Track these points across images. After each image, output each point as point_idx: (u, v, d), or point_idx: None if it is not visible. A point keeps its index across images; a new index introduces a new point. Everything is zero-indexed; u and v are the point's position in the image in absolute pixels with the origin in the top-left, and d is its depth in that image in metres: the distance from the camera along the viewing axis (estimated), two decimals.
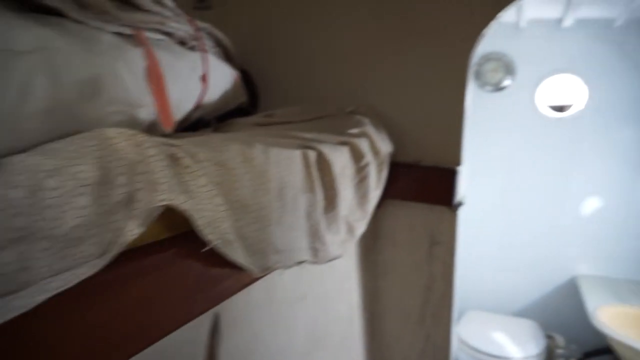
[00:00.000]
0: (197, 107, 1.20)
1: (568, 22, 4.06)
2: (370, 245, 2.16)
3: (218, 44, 1.65)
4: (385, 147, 1.97)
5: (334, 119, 1.95)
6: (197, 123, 1.42)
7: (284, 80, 2.23)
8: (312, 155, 1.11)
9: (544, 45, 4.28)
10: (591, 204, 4.25)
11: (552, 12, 4.03)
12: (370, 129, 1.82)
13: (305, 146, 1.13)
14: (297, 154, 1.03)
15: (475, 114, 4.40)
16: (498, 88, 4.49)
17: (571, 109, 4.34)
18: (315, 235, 1.07)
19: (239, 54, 1.88)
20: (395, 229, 2.15)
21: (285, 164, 0.95)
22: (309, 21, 2.15)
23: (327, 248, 1.11)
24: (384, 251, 2.17)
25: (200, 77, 1.20)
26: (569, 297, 4.38)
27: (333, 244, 1.15)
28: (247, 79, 2.02)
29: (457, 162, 2.02)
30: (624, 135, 4.12)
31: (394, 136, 2.02)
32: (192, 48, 1.21)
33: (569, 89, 4.37)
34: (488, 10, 1.93)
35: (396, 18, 2.07)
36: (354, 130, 1.74)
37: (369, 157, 1.68)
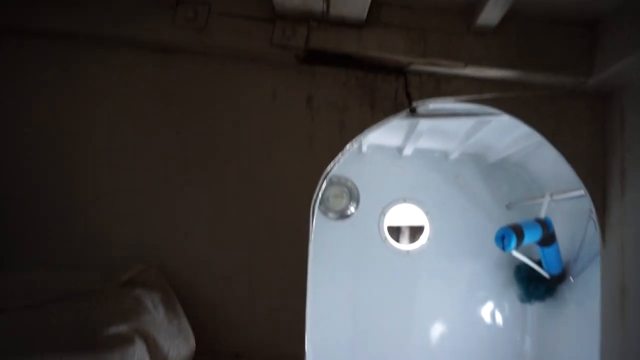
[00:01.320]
0: None
1: (408, 150, 3.95)
2: None
3: None
4: (180, 349, 1.12)
5: (92, 300, 1.09)
6: None
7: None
8: None
9: (386, 172, 4.09)
10: (436, 327, 4.08)
11: (393, 140, 3.88)
12: (149, 323, 0.99)
13: None
14: None
15: (319, 243, 3.77)
16: (343, 215, 4.07)
17: (415, 242, 4.11)
18: None
19: None
20: None
21: None
22: None
23: None
24: None
25: None
26: None
27: None
28: None
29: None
30: (463, 266, 4.06)
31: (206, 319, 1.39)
32: None
33: (412, 217, 4.19)
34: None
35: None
36: (119, 329, 0.91)
37: None
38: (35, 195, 1.66)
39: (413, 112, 1.77)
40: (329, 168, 1.72)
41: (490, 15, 1.51)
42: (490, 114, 1.94)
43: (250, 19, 1.72)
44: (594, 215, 1.75)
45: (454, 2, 1.61)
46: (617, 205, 1.64)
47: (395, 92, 1.74)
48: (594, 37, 1.62)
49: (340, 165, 4.01)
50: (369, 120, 1.72)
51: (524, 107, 1.71)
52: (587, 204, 1.78)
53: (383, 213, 4.06)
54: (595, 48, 1.61)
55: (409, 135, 3.51)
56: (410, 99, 1.73)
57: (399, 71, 1.74)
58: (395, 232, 5.72)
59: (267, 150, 1.74)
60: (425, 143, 3.78)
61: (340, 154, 1.72)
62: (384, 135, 3.76)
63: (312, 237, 1.72)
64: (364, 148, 3.97)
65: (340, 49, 1.67)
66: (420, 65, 1.68)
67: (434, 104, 1.80)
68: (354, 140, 1.73)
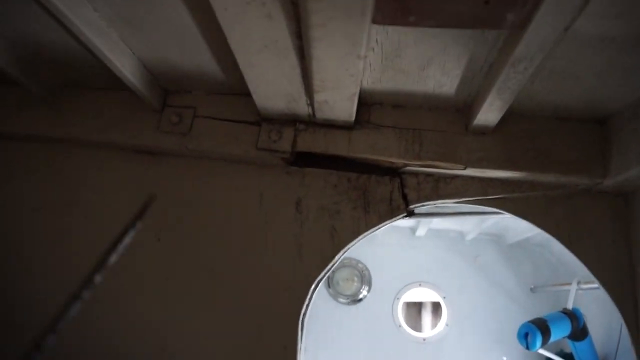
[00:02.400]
0: None
1: (422, 231, 3.76)
2: None
3: None
4: None
5: None
6: None
7: None
8: None
9: (399, 253, 3.88)
10: None
11: (405, 220, 3.71)
12: None
13: None
14: None
15: (329, 329, 3.43)
16: (355, 300, 3.82)
17: (433, 330, 3.80)
18: None
19: None
20: None
21: None
22: None
23: None
24: None
25: None
26: None
27: None
28: None
29: None
30: (486, 356, 3.68)
31: None
32: None
33: (428, 301, 3.90)
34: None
35: None
36: None
37: None
38: None
39: (411, 215, 1.62)
40: (318, 279, 1.56)
41: (488, 117, 1.40)
42: (497, 212, 1.78)
43: (235, 122, 1.65)
44: (626, 329, 1.52)
45: (449, 102, 1.51)
46: None
47: (391, 194, 1.60)
48: (606, 134, 1.48)
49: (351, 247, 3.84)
50: (363, 225, 1.58)
51: (534, 208, 1.55)
52: None
53: (397, 297, 3.80)
54: (609, 146, 1.46)
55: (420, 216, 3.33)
56: (407, 201, 1.59)
57: (394, 171, 1.62)
58: (417, 308, 5.39)
59: (252, 259, 1.60)
60: (439, 223, 3.60)
61: (331, 265, 1.57)
62: None
63: (300, 356, 1.53)
64: None
65: (329, 151, 1.57)
66: (417, 167, 1.56)
67: (434, 205, 1.66)
68: (346, 248, 1.58)
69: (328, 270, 1.58)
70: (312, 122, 1.59)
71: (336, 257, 1.57)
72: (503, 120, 1.48)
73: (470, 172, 1.53)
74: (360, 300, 3.83)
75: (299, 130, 1.59)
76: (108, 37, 1.40)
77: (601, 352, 3.00)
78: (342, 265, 3.88)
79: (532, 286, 3.67)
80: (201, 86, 1.68)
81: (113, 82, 1.60)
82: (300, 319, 1.53)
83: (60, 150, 1.83)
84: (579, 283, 2.87)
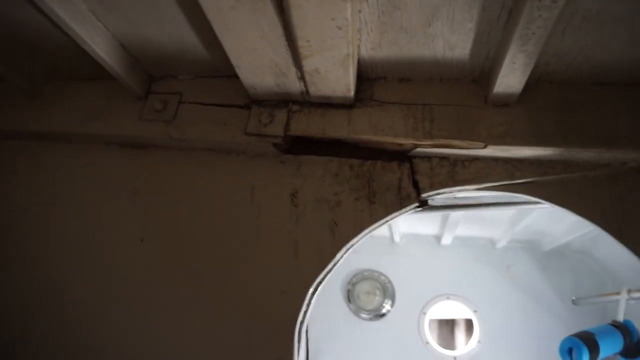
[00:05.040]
0: None
1: (447, 239, 3.48)
2: None
3: None
4: None
5: None
6: None
7: None
8: None
9: (424, 264, 3.60)
10: None
11: (429, 228, 3.45)
12: None
13: None
14: None
15: (350, 347, 3.41)
16: (377, 315, 3.55)
17: (464, 347, 3.47)
18: None
19: None
20: None
21: None
22: None
23: None
24: None
25: None
26: None
27: None
28: None
29: None
30: None
31: None
32: None
33: (460, 318, 3.60)
34: None
35: None
36: None
37: None
38: None
39: (424, 206, 1.39)
40: (318, 281, 1.34)
41: (510, 80, 1.17)
42: (529, 202, 1.53)
43: (224, 107, 1.48)
44: None
45: (463, 69, 1.30)
46: None
47: (399, 181, 1.38)
48: None
49: (372, 258, 3.62)
50: (367, 218, 1.36)
51: (572, 193, 1.29)
52: None
53: (423, 312, 3.51)
54: None
55: (444, 222, 3.07)
56: (418, 189, 1.37)
57: (403, 155, 1.40)
58: (449, 326, 5.04)
59: (243, 260, 1.40)
60: (465, 230, 3.31)
61: (332, 264, 1.35)
62: (418, 223, 3.35)
63: None
64: (397, 238, 3.55)
65: (326, 134, 1.37)
66: (428, 148, 1.34)
67: (451, 194, 1.42)
68: (349, 245, 1.36)
69: (329, 271, 1.37)
70: (307, 102, 1.40)
71: (337, 256, 1.35)
72: (529, 88, 1.25)
73: (492, 151, 1.29)
74: (384, 315, 3.56)
75: (292, 111, 1.41)
76: (76, 9, 1.27)
77: None
78: (363, 278, 3.63)
79: (574, 298, 3.31)
80: (187, 68, 1.53)
81: (96, 70, 1.47)
82: (297, 327, 1.31)
83: (43, 146, 1.71)
84: (629, 292, 2.53)
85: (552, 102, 1.28)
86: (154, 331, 1.39)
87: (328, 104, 1.39)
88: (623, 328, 2.43)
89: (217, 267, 1.42)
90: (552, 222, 2.90)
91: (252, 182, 1.47)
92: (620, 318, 2.52)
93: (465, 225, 3.13)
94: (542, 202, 1.32)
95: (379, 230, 3.51)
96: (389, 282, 3.59)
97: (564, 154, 1.25)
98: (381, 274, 3.61)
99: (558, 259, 3.43)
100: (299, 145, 1.47)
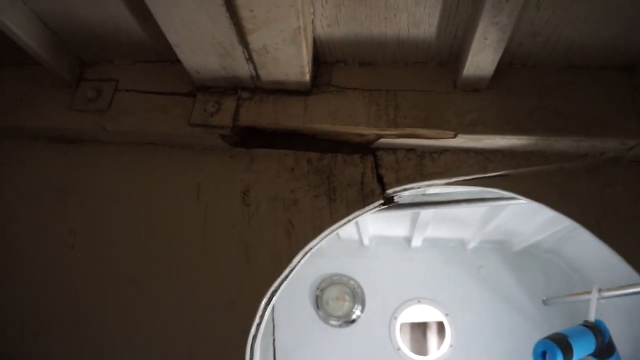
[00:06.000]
0: None
1: (417, 241, 3.38)
2: None
3: None
4: None
5: None
6: None
7: None
8: None
9: (394, 267, 3.49)
10: None
11: (399, 229, 3.34)
12: None
13: None
14: None
15: (320, 355, 3.25)
16: (347, 321, 3.42)
17: (436, 352, 3.38)
18: None
19: None
20: None
21: None
22: None
23: None
24: None
25: None
26: None
27: None
28: None
29: None
30: None
31: None
32: None
33: (433, 321, 3.51)
34: None
35: None
36: None
37: None
38: None
39: (390, 203, 1.26)
40: (272, 288, 1.19)
41: (482, 60, 1.06)
42: (502, 197, 1.42)
43: (165, 95, 1.32)
44: None
45: (429, 51, 1.17)
46: None
47: (362, 176, 1.24)
48: (636, 82, 1.13)
49: (341, 262, 3.49)
50: (327, 218, 1.21)
51: (548, 186, 1.18)
52: None
53: (394, 317, 3.40)
54: None
55: (413, 223, 2.97)
56: (383, 184, 1.23)
57: (366, 148, 1.27)
58: (421, 329, 4.96)
59: (187, 267, 1.23)
60: (435, 232, 3.22)
61: (288, 270, 1.20)
62: (387, 225, 3.24)
63: None
64: (366, 240, 3.42)
65: (280, 124, 1.22)
66: (393, 139, 1.21)
67: (419, 190, 1.30)
68: (307, 248, 1.21)
69: (285, 278, 1.21)
70: (258, 88, 1.25)
71: (295, 260, 1.20)
72: (500, 72, 1.14)
73: (463, 141, 1.17)
74: (354, 321, 3.43)
75: (242, 99, 1.25)
76: None
77: None
78: (332, 283, 3.49)
79: (545, 297, 3.26)
80: (123, 52, 1.35)
81: (23, 56, 1.28)
82: (249, 343, 1.16)
83: None
84: (600, 291, 2.48)
85: (526, 86, 1.17)
86: (86, 343, 1.20)
87: (282, 90, 1.24)
88: (595, 328, 2.37)
89: (157, 275, 1.24)
90: (522, 221, 2.84)
91: (198, 179, 1.30)
92: (592, 318, 2.46)
93: (435, 226, 3.03)
94: (516, 197, 1.21)
95: (347, 233, 3.38)
96: (359, 286, 3.46)
97: (539, 143, 1.14)
98: (350, 278, 3.48)
99: (528, 259, 3.39)
100: (251, 138, 1.31)
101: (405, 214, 2.86)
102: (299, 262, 1.22)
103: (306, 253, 1.22)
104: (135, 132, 1.30)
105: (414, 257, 3.48)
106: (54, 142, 1.43)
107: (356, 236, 3.41)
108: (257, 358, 1.22)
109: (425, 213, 2.51)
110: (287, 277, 1.21)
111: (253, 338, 1.17)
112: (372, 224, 3.18)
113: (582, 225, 1.15)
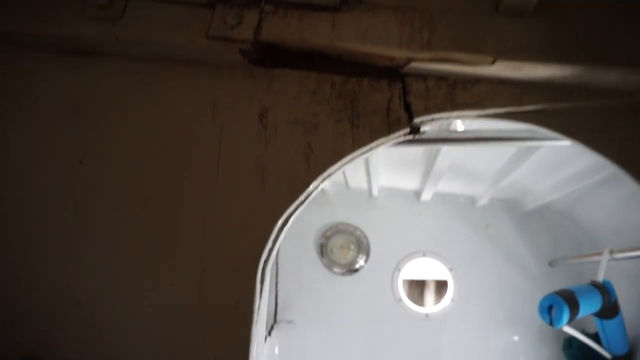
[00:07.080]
0: None
1: (427, 195, 3.34)
2: None
3: None
4: None
5: None
6: None
7: None
8: None
9: (401, 220, 3.47)
10: None
11: (409, 182, 3.29)
12: None
13: None
14: None
15: (323, 302, 3.27)
16: (351, 270, 3.43)
17: (437, 305, 3.41)
18: None
19: None
20: None
21: None
22: None
23: None
24: None
25: None
26: None
27: None
28: None
29: None
30: (496, 336, 3.30)
31: None
32: None
33: (432, 272, 3.53)
34: None
35: None
36: None
37: None
38: None
39: (416, 133, 1.19)
40: (287, 213, 1.15)
41: None
42: (534, 138, 1.35)
43: (183, 4, 1.22)
44: None
45: None
46: None
47: (389, 103, 1.17)
48: None
49: (348, 211, 3.47)
50: (349, 144, 1.15)
51: (589, 123, 1.11)
52: None
53: (398, 269, 3.41)
54: None
55: (426, 175, 2.91)
56: (410, 112, 1.16)
57: (394, 73, 1.19)
58: (419, 287, 5.02)
59: (200, 189, 1.19)
60: (447, 186, 3.17)
61: (304, 195, 1.15)
62: (398, 176, 3.18)
63: (257, 316, 1.12)
64: (375, 191, 3.38)
65: (305, 40, 1.14)
66: (425, 63, 1.12)
67: (449, 122, 1.23)
68: (326, 174, 1.16)
69: (300, 203, 1.17)
70: (282, 2, 1.16)
71: (312, 186, 1.15)
72: None
73: (500, 70, 1.09)
74: (357, 270, 3.45)
75: (265, 12, 1.16)
76: None
77: (631, 334, 2.60)
78: (338, 231, 3.48)
79: (551, 259, 3.25)
80: None
81: None
82: (260, 266, 1.13)
83: None
84: (611, 252, 2.45)
85: (574, 13, 1.07)
86: (91, 266, 1.18)
87: (308, 5, 1.15)
88: (602, 288, 2.36)
89: (169, 197, 1.20)
90: (538, 179, 2.77)
91: (214, 98, 1.24)
92: (600, 278, 2.44)
93: (447, 180, 2.98)
94: (551, 133, 1.14)
95: (357, 183, 3.33)
96: (364, 236, 3.46)
97: (585, 75, 1.06)
98: (357, 228, 3.46)
99: (537, 220, 3.35)
100: (271, 57, 1.23)
101: (416, 162, 2.80)
102: (316, 187, 1.17)
103: (324, 179, 1.17)
104: (149, 43, 1.22)
105: (423, 211, 3.45)
106: (65, 55, 1.35)
107: (365, 186, 3.37)
108: (267, 283, 1.19)
109: (441, 162, 2.45)
110: (303, 202, 1.17)
111: (265, 261, 1.14)
112: (383, 174, 3.12)
113: (621, 168, 1.09)
